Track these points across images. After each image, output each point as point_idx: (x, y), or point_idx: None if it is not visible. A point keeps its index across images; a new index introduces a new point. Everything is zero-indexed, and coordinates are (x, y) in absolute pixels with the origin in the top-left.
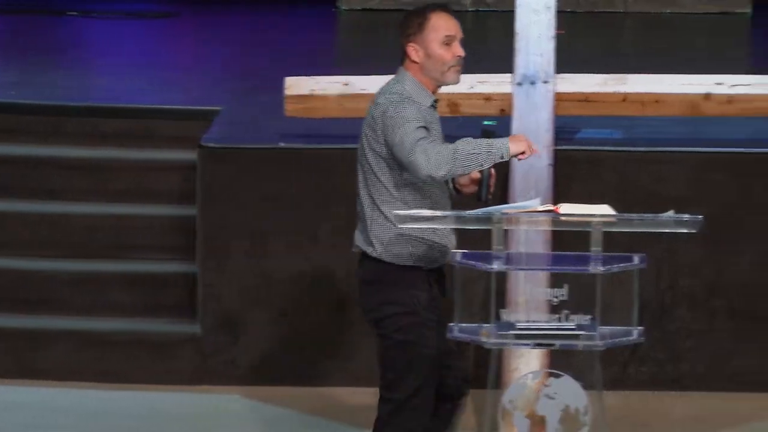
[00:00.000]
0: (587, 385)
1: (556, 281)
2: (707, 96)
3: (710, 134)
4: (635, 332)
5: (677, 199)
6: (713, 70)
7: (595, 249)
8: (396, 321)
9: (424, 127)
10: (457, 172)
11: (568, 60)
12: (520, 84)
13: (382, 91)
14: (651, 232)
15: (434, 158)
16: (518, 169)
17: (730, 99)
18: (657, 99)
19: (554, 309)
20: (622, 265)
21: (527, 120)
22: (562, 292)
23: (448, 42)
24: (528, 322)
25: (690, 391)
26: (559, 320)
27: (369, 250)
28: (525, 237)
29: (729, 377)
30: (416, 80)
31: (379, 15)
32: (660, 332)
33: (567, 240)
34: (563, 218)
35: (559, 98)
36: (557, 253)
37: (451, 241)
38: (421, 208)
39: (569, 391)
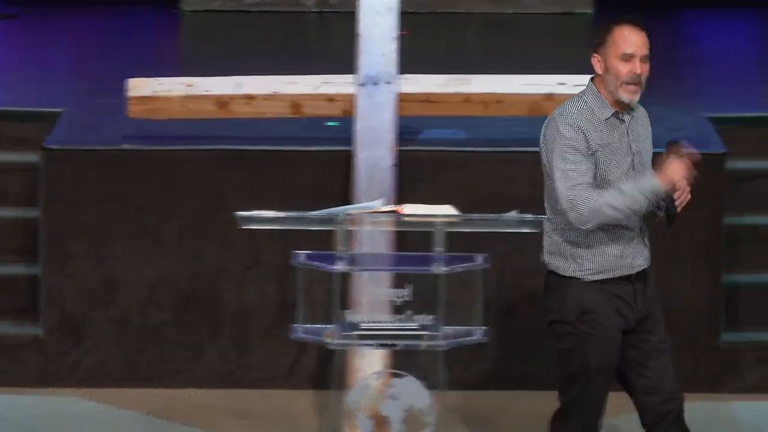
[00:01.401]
0: (431, 385)
1: (399, 282)
2: (550, 96)
3: None
4: (478, 332)
5: (520, 199)
6: (556, 71)
7: (438, 249)
8: (556, 329)
9: (581, 162)
10: (596, 223)
11: (411, 61)
12: (363, 85)
13: (563, 103)
14: (495, 232)
15: (585, 213)
16: (362, 170)
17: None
18: (499, 99)
19: (398, 309)
20: (465, 265)
21: (370, 121)
22: (406, 293)
23: (626, 59)
24: (371, 322)
25: (533, 390)
26: (403, 321)
27: (542, 257)
28: (368, 238)
29: None
30: (597, 92)
31: (221, 16)
32: (503, 332)
33: (412, 241)
34: (406, 219)
35: (402, 99)
36: (400, 253)
37: (630, 251)
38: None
39: (413, 391)
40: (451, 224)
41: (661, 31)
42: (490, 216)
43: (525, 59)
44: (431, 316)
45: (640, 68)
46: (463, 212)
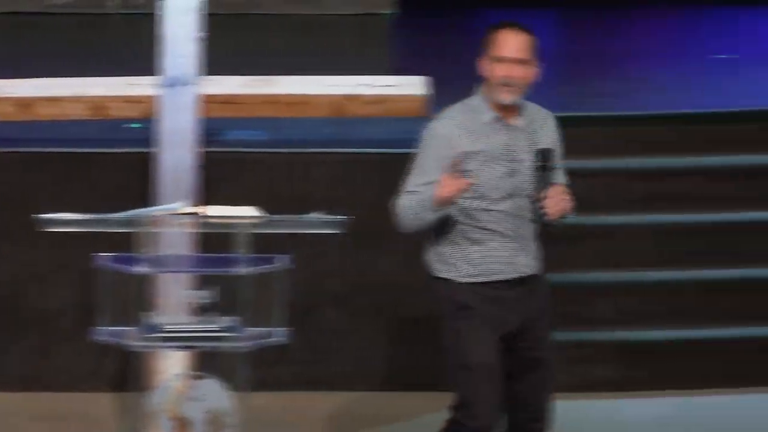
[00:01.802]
0: (234, 387)
1: (202, 283)
2: (353, 97)
3: (357, 135)
4: (281, 333)
5: (324, 200)
6: (359, 71)
7: (241, 251)
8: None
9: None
10: (410, 227)
11: (214, 62)
12: (165, 86)
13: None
14: (298, 233)
15: (400, 217)
16: (165, 172)
17: (376, 99)
18: (303, 100)
19: (200, 311)
20: (267, 266)
21: (174, 122)
22: (208, 295)
23: (500, 61)
24: (174, 324)
25: (337, 390)
26: (205, 322)
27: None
28: (171, 240)
29: (374, 376)
30: (484, 95)
31: (25, 18)
32: (307, 333)
33: (217, 243)
34: (209, 220)
35: (205, 100)
36: (203, 255)
37: (505, 255)
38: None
39: (215, 392)
40: (253, 225)
41: (462, 31)
42: (293, 217)
43: (327, 60)
44: (233, 318)
45: (515, 71)
46: (266, 214)
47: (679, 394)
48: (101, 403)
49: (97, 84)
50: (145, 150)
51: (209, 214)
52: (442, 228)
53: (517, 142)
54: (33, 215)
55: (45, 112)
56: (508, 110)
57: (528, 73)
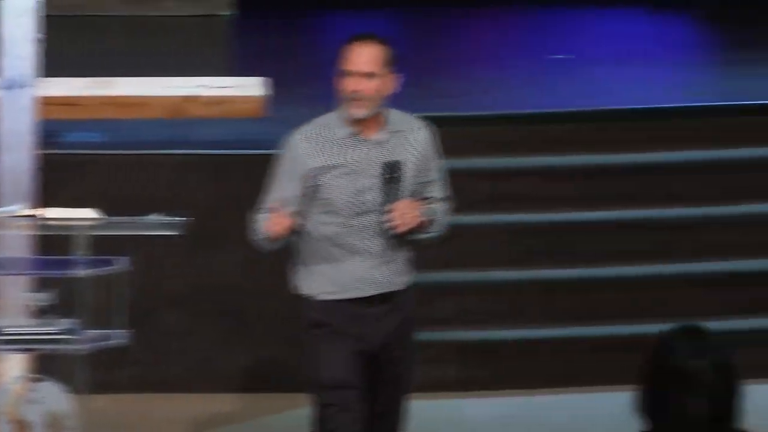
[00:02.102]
0: (73, 389)
1: (40, 285)
2: (191, 98)
3: (196, 136)
4: (120, 335)
5: (162, 201)
6: (197, 73)
7: (79, 252)
8: None
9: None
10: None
11: (53, 64)
12: (4, 88)
13: None
14: (137, 235)
15: (253, 234)
16: (4, 174)
17: (214, 101)
18: (141, 101)
19: (39, 313)
20: (105, 268)
21: (12, 124)
22: (47, 296)
23: (346, 75)
24: (12, 326)
25: (176, 392)
26: (44, 324)
27: None
28: (9, 242)
29: (214, 378)
30: (340, 110)
31: None
32: (146, 334)
33: (58, 245)
34: (46, 222)
35: (45, 102)
36: (41, 257)
37: (361, 272)
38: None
39: (54, 395)
40: (92, 227)
41: (303, 32)
42: (132, 219)
43: (166, 62)
44: (72, 320)
45: (362, 84)
46: (105, 216)
47: (521, 393)
48: None
49: None
50: None
51: (48, 216)
52: (301, 245)
53: (371, 157)
54: None
55: None
56: (364, 124)
57: (379, 86)
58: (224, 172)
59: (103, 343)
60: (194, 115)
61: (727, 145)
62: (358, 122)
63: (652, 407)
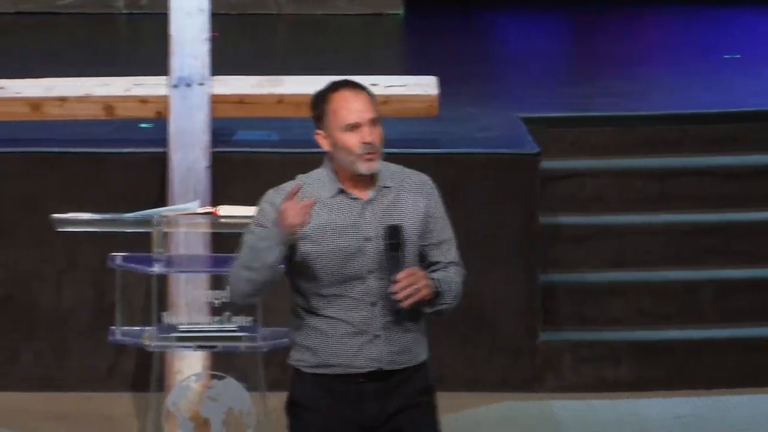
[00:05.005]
0: (251, 387)
1: (217, 283)
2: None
3: None
4: None
5: None
6: (368, 72)
7: None
8: None
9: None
10: (243, 292)
11: (223, 62)
12: (175, 86)
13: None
14: None
15: (231, 283)
16: (176, 172)
17: (385, 100)
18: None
19: (216, 311)
20: (282, 266)
21: (184, 122)
22: (224, 294)
23: (351, 129)
24: (190, 324)
25: None
26: (221, 322)
27: None
28: (185, 239)
29: None
30: (330, 167)
31: (32, 18)
32: None
33: (228, 242)
34: (222, 220)
35: (216, 100)
36: (217, 255)
37: (350, 348)
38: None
39: (232, 392)
40: None
41: (472, 31)
42: None
43: (337, 60)
44: (250, 318)
45: (370, 135)
46: None
47: (697, 393)
48: (119, 403)
49: (106, 84)
50: (156, 150)
51: (222, 214)
52: (293, 313)
53: (365, 217)
54: (46, 216)
55: (54, 113)
56: (357, 182)
57: (381, 133)
58: None
59: (280, 341)
60: None
61: None
62: (352, 179)
63: None
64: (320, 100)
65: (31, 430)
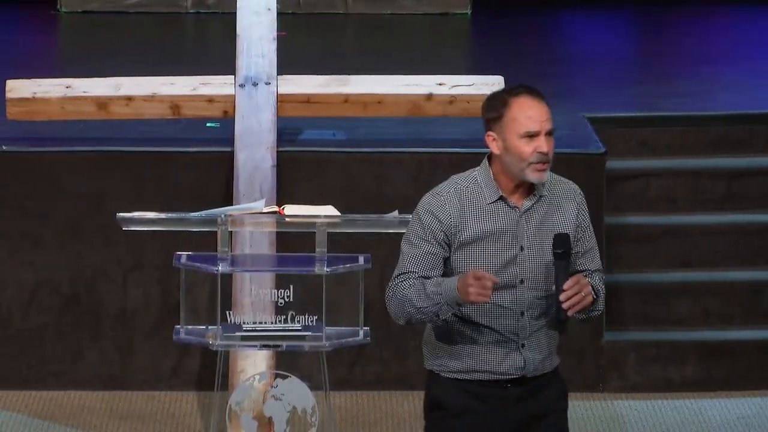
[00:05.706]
0: (314, 386)
1: (281, 282)
2: (429, 96)
3: (432, 134)
4: (361, 332)
5: (401, 200)
6: (435, 71)
7: (320, 250)
8: None
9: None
10: (400, 319)
11: (290, 61)
12: (242, 85)
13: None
14: (375, 233)
15: (392, 307)
16: (242, 171)
17: (452, 99)
18: (379, 100)
19: (280, 310)
20: (347, 265)
21: (250, 121)
22: (288, 294)
23: (529, 136)
24: (254, 323)
25: (416, 390)
26: (285, 321)
27: None
28: (250, 238)
29: None
30: (489, 173)
31: (99, 17)
32: (385, 332)
33: (293, 241)
34: (288, 219)
35: (282, 99)
36: (283, 254)
37: (496, 355)
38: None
39: (296, 392)
40: (332, 224)
41: (538, 31)
42: (372, 216)
43: (404, 60)
44: (314, 317)
45: (547, 145)
46: (343, 213)
47: (761, 393)
48: (183, 402)
49: (173, 83)
50: (222, 149)
51: (287, 213)
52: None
53: (521, 225)
54: (112, 214)
55: (121, 112)
56: (516, 189)
57: (554, 145)
58: (460, 170)
59: (345, 340)
60: (431, 113)
61: None
62: (514, 187)
63: None
64: (498, 103)
65: (95, 429)
